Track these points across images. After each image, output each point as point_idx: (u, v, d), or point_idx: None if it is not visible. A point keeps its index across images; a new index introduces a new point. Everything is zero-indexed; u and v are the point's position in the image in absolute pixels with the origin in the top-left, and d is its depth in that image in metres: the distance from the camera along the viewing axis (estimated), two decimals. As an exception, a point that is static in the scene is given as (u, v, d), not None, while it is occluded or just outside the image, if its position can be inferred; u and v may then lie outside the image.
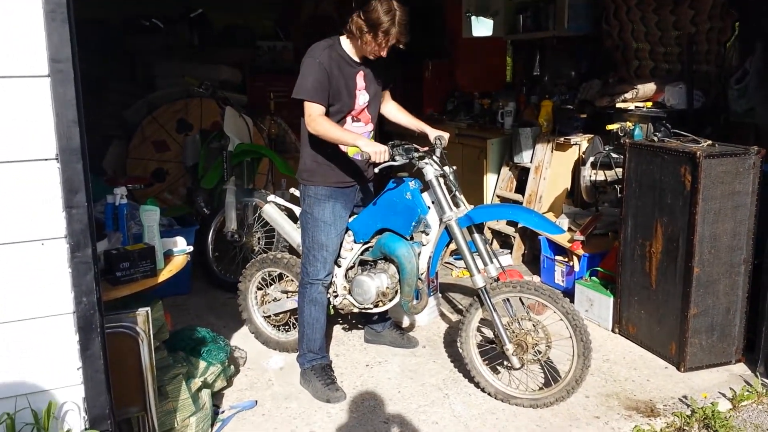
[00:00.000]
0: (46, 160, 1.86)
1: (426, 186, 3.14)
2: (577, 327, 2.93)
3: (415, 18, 7.55)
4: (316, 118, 2.93)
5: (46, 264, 1.93)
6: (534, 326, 3.07)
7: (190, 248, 2.89)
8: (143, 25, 6.79)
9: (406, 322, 4.07)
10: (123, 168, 6.15)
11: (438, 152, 3.18)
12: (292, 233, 3.58)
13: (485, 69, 7.02)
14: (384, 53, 2.98)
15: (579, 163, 4.86)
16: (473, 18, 5.96)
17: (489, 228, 5.58)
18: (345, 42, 3.04)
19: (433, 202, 3.14)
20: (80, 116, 1.89)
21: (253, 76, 7.06)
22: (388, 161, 2.92)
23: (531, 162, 5.24)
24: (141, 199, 6.04)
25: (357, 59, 3.06)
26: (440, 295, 4.38)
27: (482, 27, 5.99)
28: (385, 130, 5.97)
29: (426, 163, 3.08)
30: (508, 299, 3.12)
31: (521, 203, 5.26)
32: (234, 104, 5.08)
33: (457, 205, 3.14)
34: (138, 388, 2.45)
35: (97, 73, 6.69)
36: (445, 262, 5.09)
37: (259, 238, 4.81)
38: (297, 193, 3.40)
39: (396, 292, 3.30)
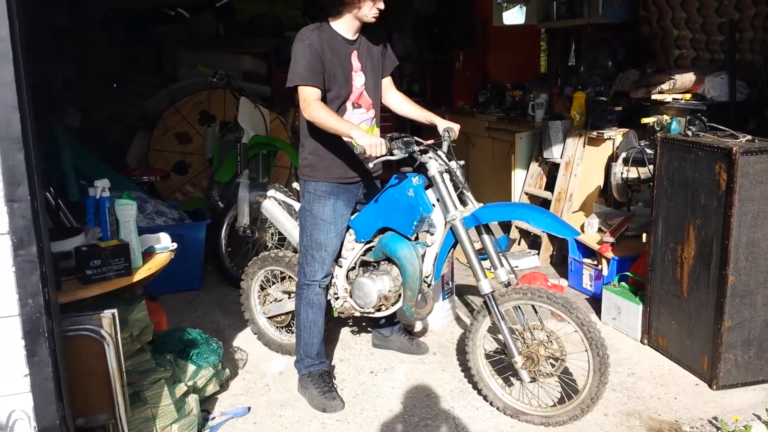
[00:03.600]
0: (-18, 148, 1.70)
1: (431, 182, 2.91)
2: (593, 340, 2.66)
3: (445, 7, 7.42)
4: (311, 102, 2.73)
5: (-14, 262, 1.78)
6: (548, 336, 2.81)
7: (174, 245, 2.72)
8: (168, 14, 6.69)
9: (418, 326, 3.84)
10: (147, 160, 6.08)
11: (445, 146, 2.94)
12: (292, 231, 3.39)
13: (518, 59, 6.71)
14: (381, 5, 2.77)
15: (612, 160, 4.55)
16: (504, 5, 5.68)
17: (516, 227, 5.31)
18: (334, 23, 2.83)
19: (438, 200, 2.90)
20: (22, 100, 1.72)
21: (279, 67, 6.91)
22: (386, 155, 2.70)
23: (561, 157, 4.94)
24: (163, 191, 5.99)
25: (349, 38, 2.85)
26: (456, 297, 4.13)
27: (514, 15, 5.70)
28: (417, 125, 5.72)
29: (429, 158, 2.84)
30: (519, 306, 2.87)
31: (550, 201, 4.98)
32: (249, 95, 4.92)
33: (464, 204, 2.90)
34: (107, 395, 2.29)
35: (123, 62, 6.68)
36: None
37: (272, 234, 4.64)
38: (299, 187, 3.20)
39: (399, 295, 3.07)
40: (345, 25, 2.83)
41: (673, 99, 4.18)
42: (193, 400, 2.83)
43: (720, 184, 2.95)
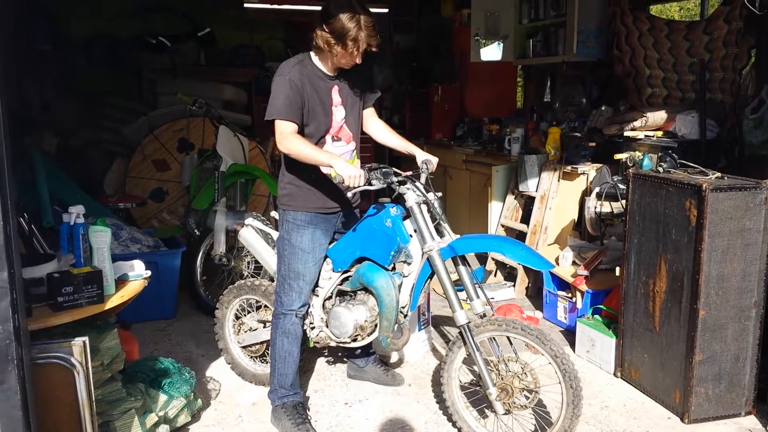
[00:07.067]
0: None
1: (409, 213, 2.93)
2: (566, 372, 2.68)
3: (425, 41, 7.56)
4: (287, 135, 2.75)
5: (-45, 288, 1.75)
6: (522, 368, 2.82)
7: (148, 273, 2.70)
8: (149, 42, 6.71)
9: (394, 357, 3.83)
10: (124, 186, 6.04)
11: (423, 177, 2.97)
12: (270, 259, 3.38)
13: (495, 94, 6.85)
14: (359, 60, 2.80)
15: (586, 194, 4.63)
16: (482, 42, 5.79)
17: (492, 259, 5.35)
18: (315, 57, 2.87)
19: (415, 231, 2.93)
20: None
21: (260, 97, 6.96)
22: (364, 186, 2.72)
23: (536, 191, 5.01)
24: (140, 218, 5.95)
25: (330, 73, 2.88)
26: (432, 328, 4.13)
27: (491, 51, 5.82)
28: (396, 156, 5.76)
29: (407, 189, 2.87)
30: (494, 338, 2.88)
31: (526, 234, 5.03)
32: (229, 123, 4.93)
33: (441, 235, 2.92)
34: (76, 424, 2.25)
35: (103, 88, 6.67)
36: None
37: (248, 263, 4.62)
38: (277, 216, 3.20)
39: (375, 325, 3.07)
40: (325, 63, 2.87)
41: (645, 136, 4.27)
42: (164, 431, 2.79)
43: (690, 220, 3.01)
